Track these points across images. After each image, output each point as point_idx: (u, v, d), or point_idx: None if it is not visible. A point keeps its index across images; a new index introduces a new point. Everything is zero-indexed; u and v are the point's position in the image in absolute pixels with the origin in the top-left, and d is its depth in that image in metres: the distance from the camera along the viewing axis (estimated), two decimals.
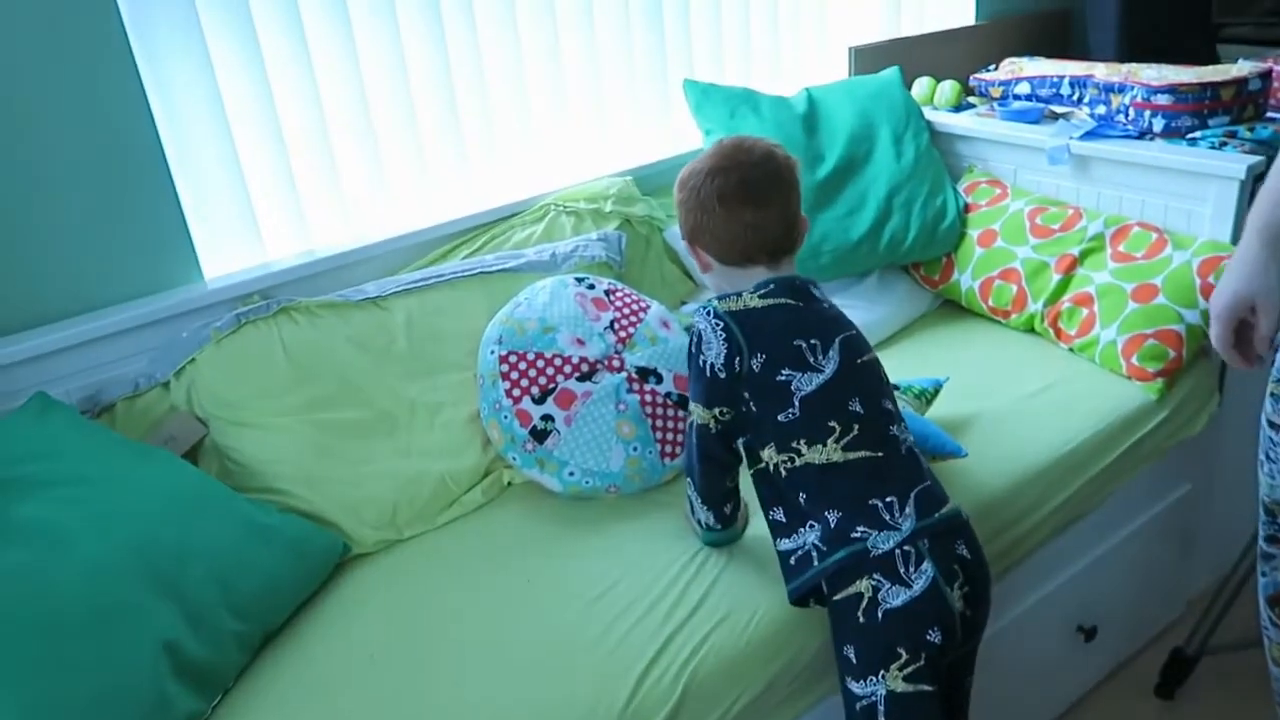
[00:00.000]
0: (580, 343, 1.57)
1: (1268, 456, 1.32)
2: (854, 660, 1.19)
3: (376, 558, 1.48)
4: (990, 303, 1.95)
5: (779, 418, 1.23)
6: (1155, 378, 1.69)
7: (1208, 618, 1.79)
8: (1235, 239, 1.76)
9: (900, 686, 1.15)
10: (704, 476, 1.34)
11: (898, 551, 1.18)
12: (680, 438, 1.57)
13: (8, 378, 1.46)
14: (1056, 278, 1.85)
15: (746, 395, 1.25)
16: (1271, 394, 1.29)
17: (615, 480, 1.52)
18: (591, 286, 1.66)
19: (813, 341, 1.26)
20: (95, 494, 1.27)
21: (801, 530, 1.23)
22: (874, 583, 1.17)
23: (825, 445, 1.22)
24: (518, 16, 1.87)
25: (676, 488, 1.57)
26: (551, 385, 1.54)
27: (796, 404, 1.23)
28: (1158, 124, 1.88)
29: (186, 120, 1.58)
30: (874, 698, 1.16)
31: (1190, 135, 1.85)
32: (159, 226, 1.58)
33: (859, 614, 1.18)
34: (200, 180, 1.62)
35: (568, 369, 1.55)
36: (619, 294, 1.67)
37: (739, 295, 1.28)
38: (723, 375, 1.25)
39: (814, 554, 1.21)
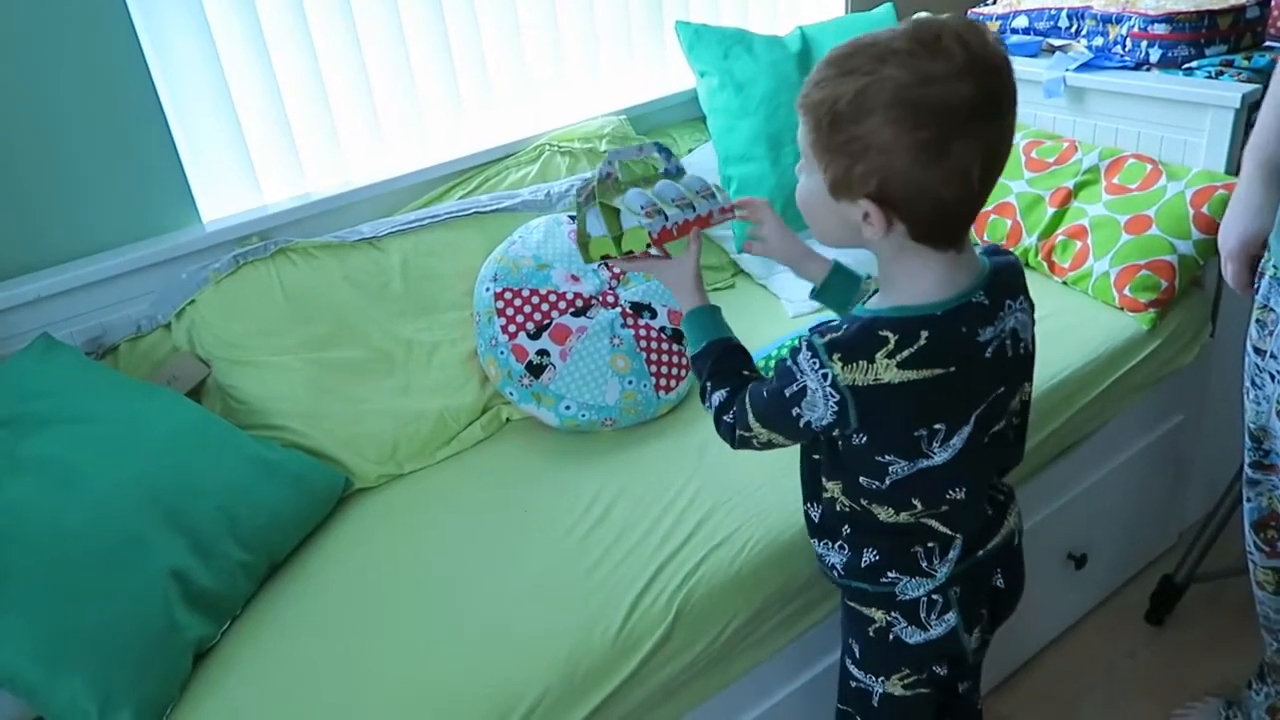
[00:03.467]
0: (574, 279, 1.59)
1: (1253, 382, 1.34)
2: (857, 654, 1.16)
3: (378, 492, 1.52)
4: (985, 237, 1.95)
5: (861, 480, 1.02)
6: (1147, 308, 1.70)
7: (1197, 545, 1.82)
8: (1230, 168, 1.75)
9: (899, 691, 1.14)
10: (718, 432, 1.11)
11: (924, 599, 1.07)
12: (674, 370, 1.59)
13: (11, 321, 1.49)
14: (1051, 211, 1.85)
15: (839, 443, 1.01)
16: (1257, 320, 1.30)
17: (611, 414, 1.54)
18: None
19: (936, 427, 0.96)
20: (102, 431, 1.31)
21: (827, 542, 1.11)
22: (891, 619, 1.10)
23: (899, 514, 1.03)
24: None
25: (671, 421, 1.59)
26: (547, 321, 1.56)
27: (886, 482, 1.00)
28: (1154, 54, 1.86)
29: (181, 65, 1.58)
30: (871, 690, 1.15)
31: (1187, 65, 1.83)
32: (156, 170, 1.60)
33: (870, 630, 1.12)
34: (196, 124, 1.63)
35: (562, 305, 1.57)
36: None
37: (869, 355, 0.90)
38: (816, 431, 0.99)
39: (834, 571, 1.12)
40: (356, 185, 1.75)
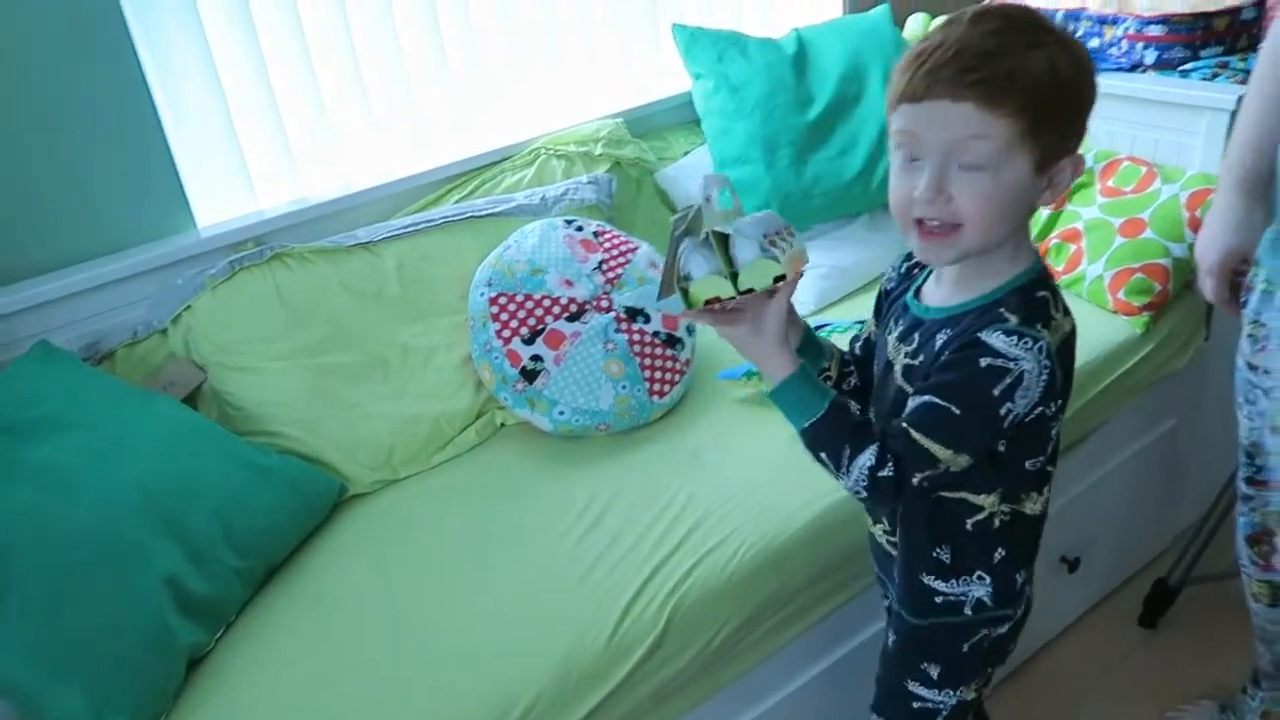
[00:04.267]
0: (569, 284, 1.59)
1: (1246, 399, 1.34)
2: (933, 676, 1.13)
3: (373, 497, 1.53)
4: None
5: (1027, 464, 1.01)
6: (1141, 311, 1.71)
7: (1191, 549, 1.82)
8: None
9: (971, 696, 1.14)
10: (871, 504, 1.07)
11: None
12: (667, 375, 1.59)
13: (9, 326, 1.50)
14: (1045, 214, 1.85)
15: (1004, 440, 0.98)
16: (1249, 335, 1.30)
17: (605, 418, 1.55)
18: (580, 229, 1.67)
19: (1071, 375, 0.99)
20: (99, 437, 1.31)
21: (968, 580, 1.06)
22: (993, 623, 1.09)
23: (1042, 495, 1.05)
24: None
25: (665, 425, 1.60)
26: (541, 326, 1.56)
27: (1048, 451, 1.01)
28: (1150, 56, 1.86)
29: (176, 70, 1.59)
30: (942, 706, 1.14)
31: (1182, 67, 1.83)
32: (152, 176, 1.60)
33: (965, 645, 1.10)
34: (191, 130, 1.63)
35: (556, 309, 1.57)
36: (607, 235, 1.69)
37: (1049, 314, 0.93)
38: (1015, 425, 0.94)
39: (971, 606, 1.07)
40: (352, 190, 1.75)
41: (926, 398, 0.94)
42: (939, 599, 1.07)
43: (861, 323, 1.63)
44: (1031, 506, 1.05)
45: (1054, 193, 0.93)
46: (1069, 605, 1.88)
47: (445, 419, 1.60)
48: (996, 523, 1.03)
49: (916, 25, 2.25)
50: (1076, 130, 0.92)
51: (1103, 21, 1.96)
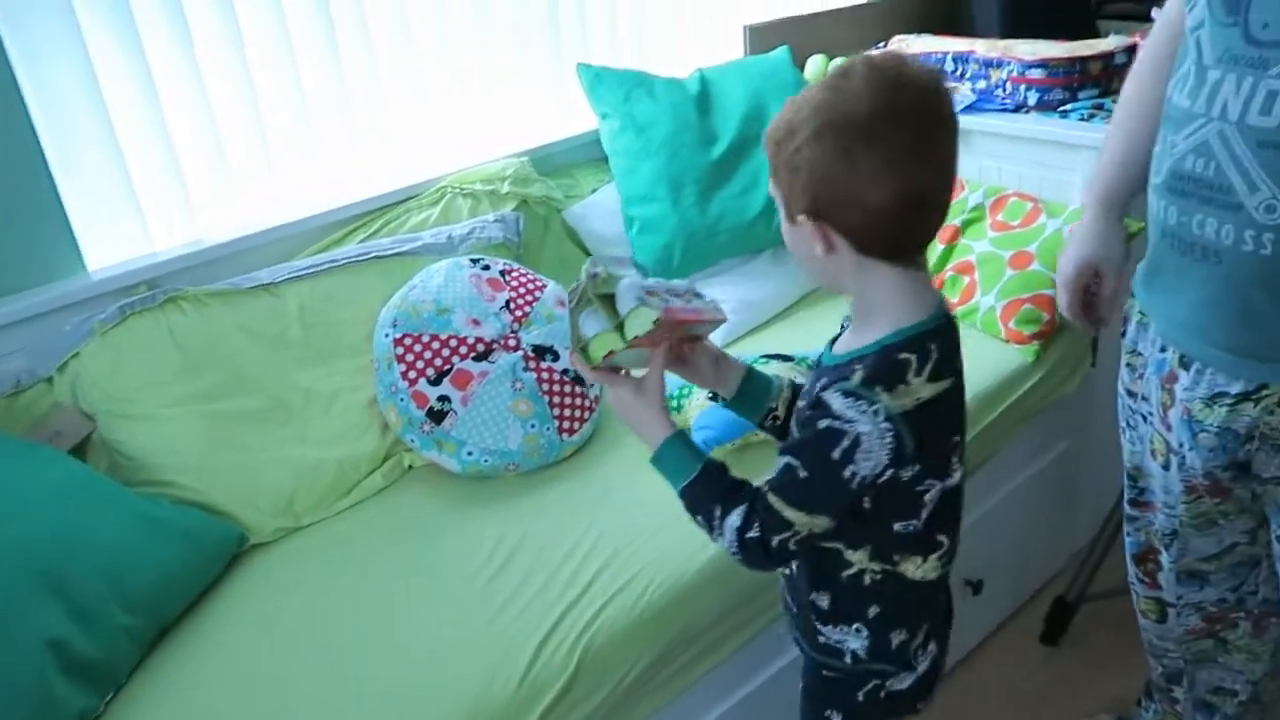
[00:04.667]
0: (476, 323, 1.59)
1: (1128, 424, 1.40)
2: None
3: (275, 546, 1.48)
4: None
5: (895, 527, 0.99)
6: (1031, 340, 1.78)
7: (1086, 566, 1.90)
8: None
9: None
10: (751, 567, 1.04)
11: (919, 643, 1.08)
12: (578, 413, 1.59)
13: None
14: (940, 248, 1.92)
15: (865, 499, 0.97)
16: (1127, 364, 1.36)
17: (514, 458, 1.54)
18: (486, 267, 1.67)
19: (955, 440, 0.99)
20: None
21: (845, 629, 1.06)
22: (887, 676, 1.08)
23: (926, 561, 1.02)
24: None
25: (575, 464, 1.60)
26: (447, 366, 1.55)
27: (922, 517, 0.98)
28: (1032, 97, 1.96)
29: (62, 106, 1.54)
30: None
31: (1062, 108, 1.93)
32: (37, 216, 1.54)
33: (859, 694, 1.09)
34: (79, 168, 1.57)
35: (463, 349, 1.56)
36: (514, 274, 1.69)
37: (903, 378, 0.91)
38: (868, 485, 0.94)
39: (848, 655, 1.07)
40: (251, 230, 1.72)
41: (784, 458, 0.96)
42: (821, 639, 1.08)
43: (769, 357, 1.66)
44: (914, 571, 1.02)
45: (822, 253, 0.92)
46: (975, 627, 1.93)
47: (350, 463, 1.57)
48: (867, 580, 1.02)
49: (816, 66, 2.32)
50: (798, 188, 0.91)
51: (989, 65, 2.06)
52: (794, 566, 1.09)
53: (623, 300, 1.00)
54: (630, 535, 1.40)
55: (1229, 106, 1.06)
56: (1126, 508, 1.46)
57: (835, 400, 0.91)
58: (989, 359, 1.78)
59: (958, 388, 0.98)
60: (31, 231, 1.54)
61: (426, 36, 1.91)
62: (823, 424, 0.92)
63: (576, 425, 1.60)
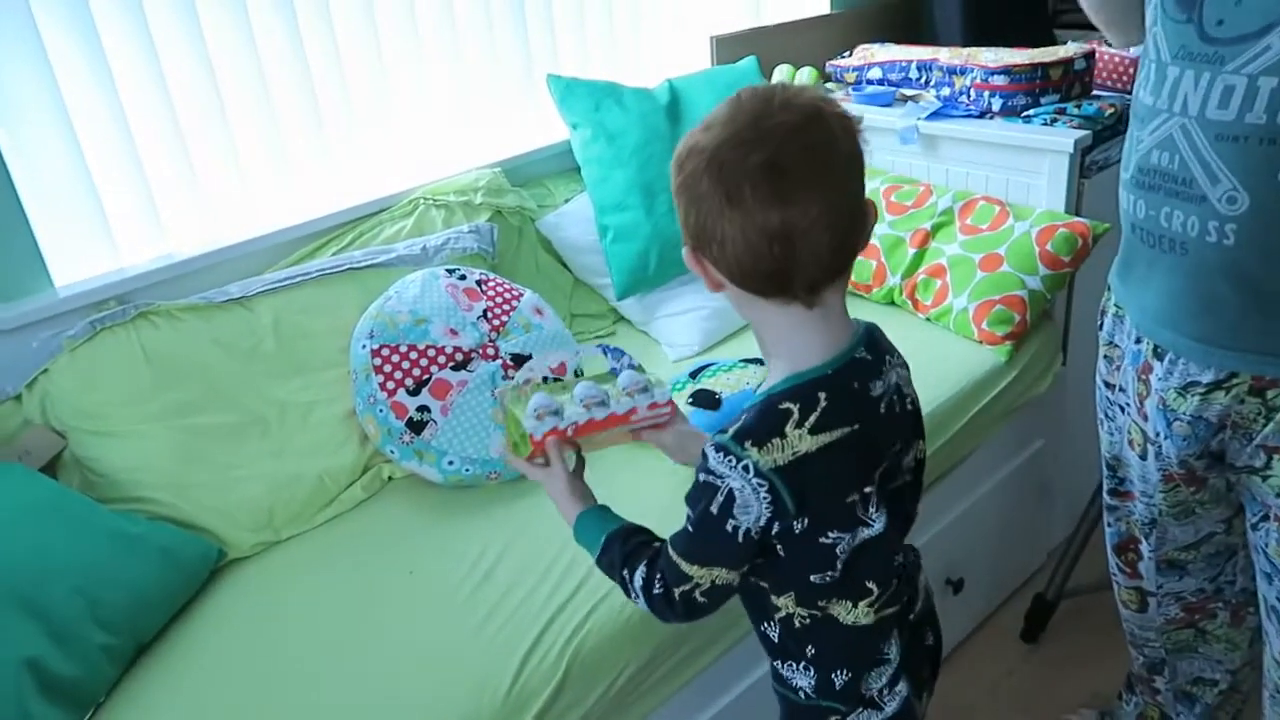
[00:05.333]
0: (453, 333, 1.58)
1: (1105, 415, 1.43)
2: None
3: (255, 560, 1.46)
4: (853, 278, 2.03)
5: (812, 578, 0.96)
6: (1004, 340, 1.80)
7: (1064, 564, 1.92)
8: (1068, 208, 1.88)
9: None
10: (685, 622, 1.04)
11: (882, 685, 1.04)
12: None
13: None
14: (912, 252, 1.94)
15: (777, 546, 0.94)
16: (1105, 356, 1.39)
17: (495, 467, 1.53)
18: (463, 277, 1.67)
19: (866, 491, 0.93)
20: None
21: (792, 665, 1.03)
22: (849, 713, 1.04)
23: (857, 607, 0.97)
24: (375, 8, 1.86)
25: None
26: (426, 376, 1.54)
27: (838, 567, 0.94)
28: (996, 103, 1.99)
29: (24, 118, 1.51)
30: None
31: (1025, 113, 1.97)
32: (0, 235, 1.51)
33: None
34: (43, 180, 1.55)
35: (442, 359, 1.55)
36: (491, 283, 1.68)
37: (779, 431, 0.88)
38: (758, 538, 0.92)
39: (800, 691, 1.04)
40: (223, 244, 1.70)
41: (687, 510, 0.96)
42: (776, 671, 1.07)
43: (747, 361, 1.67)
44: (845, 615, 0.98)
45: (708, 282, 0.92)
46: (956, 626, 1.94)
47: (329, 476, 1.55)
48: (797, 624, 0.99)
49: (782, 75, 2.35)
50: (681, 217, 0.89)
51: (952, 72, 2.09)
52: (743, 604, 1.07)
53: (526, 420, 1.10)
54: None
55: (1189, 101, 1.10)
56: (1106, 498, 1.48)
57: (710, 453, 0.90)
58: (963, 360, 1.80)
59: (863, 434, 0.91)
60: None
61: (396, 48, 1.91)
62: (701, 477, 0.92)
63: None
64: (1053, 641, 1.98)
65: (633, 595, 1.02)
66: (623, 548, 1.03)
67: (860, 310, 1.94)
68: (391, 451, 1.54)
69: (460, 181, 1.94)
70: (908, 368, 1.03)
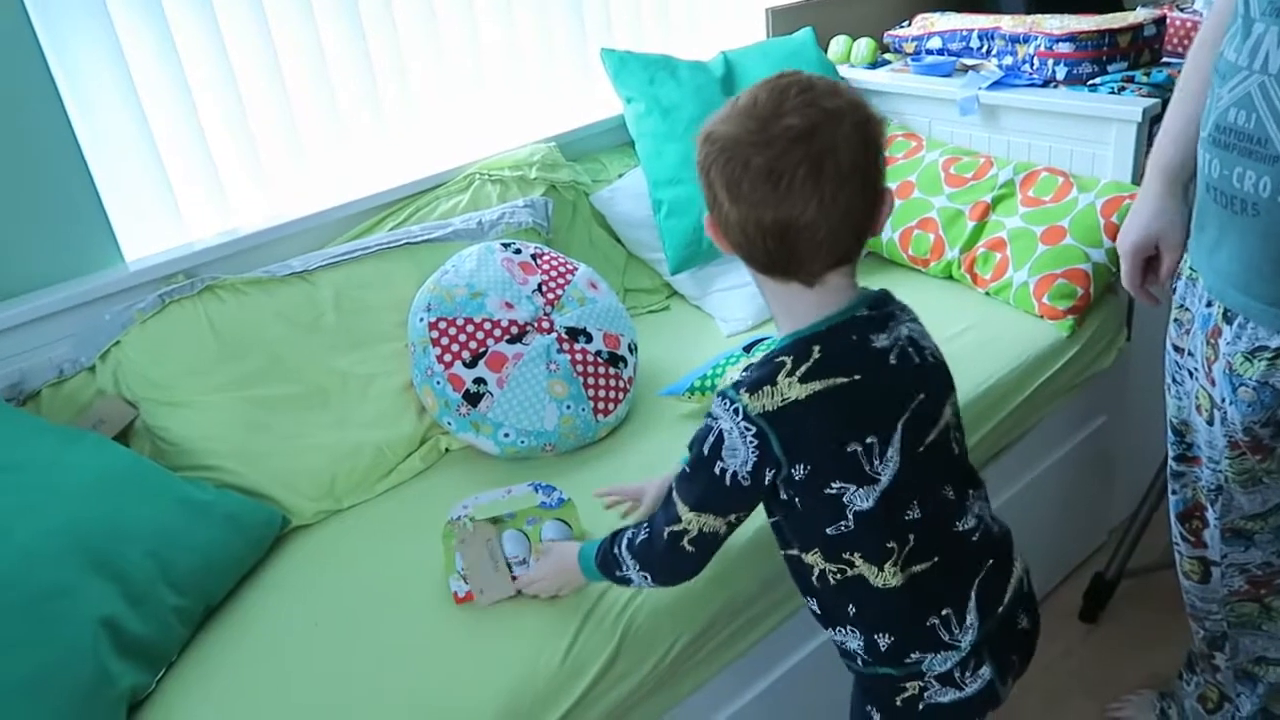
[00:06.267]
0: (509, 306, 1.59)
1: (1174, 379, 1.40)
2: None
3: (317, 528, 1.50)
4: (910, 252, 2.01)
5: (828, 530, 1.00)
6: (1066, 315, 1.77)
7: (1125, 542, 1.88)
8: (1135, 179, 1.83)
9: None
10: (658, 580, 1.12)
11: (955, 668, 1.04)
12: (611, 393, 1.60)
13: None
14: (971, 225, 1.91)
15: (791, 495, 1.00)
16: (1175, 319, 1.36)
17: (550, 439, 1.55)
18: (518, 251, 1.68)
19: (869, 441, 0.96)
20: (25, 480, 1.27)
21: (843, 630, 1.06)
22: (923, 684, 1.05)
23: (882, 569, 1.00)
24: None
25: (611, 444, 1.60)
26: (482, 349, 1.56)
27: (850, 518, 0.98)
28: (1060, 72, 1.94)
29: (98, 102, 1.56)
30: None
31: (1091, 81, 1.92)
32: (75, 210, 1.56)
33: (897, 700, 1.06)
34: (115, 161, 1.60)
35: (498, 332, 1.57)
36: (545, 257, 1.70)
37: (771, 380, 0.95)
38: (747, 484, 0.98)
39: (857, 657, 1.07)
40: (285, 219, 1.73)
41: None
42: (834, 639, 1.10)
43: None
44: (875, 579, 1.01)
45: (727, 249, 0.98)
46: None
47: (388, 446, 1.58)
48: (833, 580, 1.03)
49: (839, 47, 2.32)
50: (704, 188, 0.96)
51: (1015, 40, 2.04)
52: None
53: (452, 579, 1.28)
54: None
55: (1270, 58, 1.06)
56: (1172, 464, 1.45)
57: (714, 401, 0.99)
58: (1023, 335, 1.77)
59: (865, 385, 0.96)
60: (70, 224, 1.56)
61: (452, 25, 1.92)
62: (704, 421, 1.01)
63: (611, 406, 1.60)
64: (1112, 622, 1.95)
65: (625, 568, 1.11)
66: (614, 541, 1.13)
67: (917, 284, 1.96)
68: (448, 423, 1.57)
69: (515, 156, 1.95)
70: (919, 322, 1.07)
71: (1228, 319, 1.20)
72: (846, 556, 1.01)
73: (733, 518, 1.04)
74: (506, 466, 1.57)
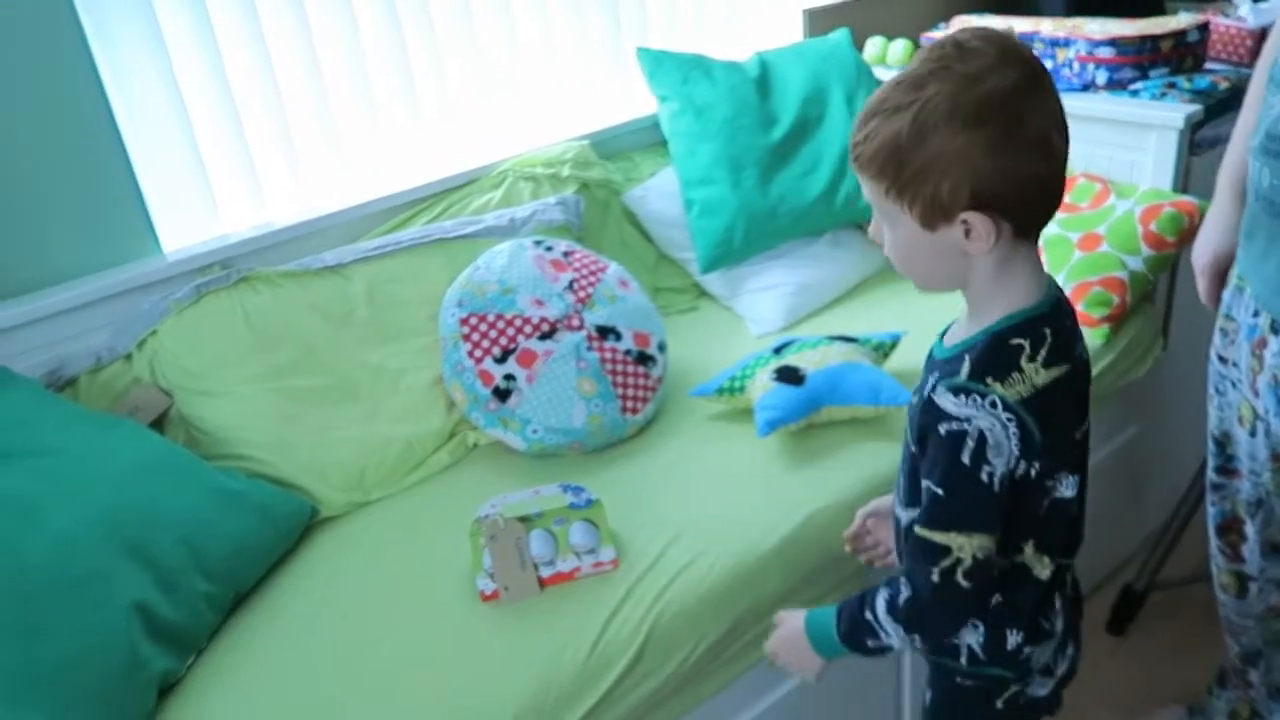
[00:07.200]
0: (540, 303, 1.60)
1: (1216, 390, 1.38)
2: None
3: (346, 520, 1.51)
4: None
5: (1017, 521, 0.93)
6: (1101, 323, 1.74)
7: (1156, 553, 1.86)
8: (1176, 186, 1.81)
9: None
10: (931, 637, 1.00)
11: (1052, 656, 1.03)
12: (640, 392, 1.60)
13: None
14: None
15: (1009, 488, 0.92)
16: (1220, 329, 1.34)
17: (578, 436, 1.55)
18: (549, 248, 1.68)
19: (1086, 427, 0.95)
20: (62, 465, 1.29)
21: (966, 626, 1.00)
22: (1026, 681, 1.03)
23: (1047, 560, 0.96)
24: None
25: (638, 443, 1.60)
26: (512, 345, 1.56)
27: (1044, 506, 0.93)
28: (1101, 76, 1.92)
29: (139, 95, 1.58)
30: None
31: (1132, 86, 1.89)
32: (115, 200, 1.59)
33: (998, 701, 1.03)
34: (155, 153, 1.62)
35: (528, 329, 1.57)
36: (577, 255, 1.70)
37: (1016, 365, 0.87)
38: (1007, 488, 0.89)
39: (964, 653, 1.00)
40: (319, 213, 1.75)
41: (924, 484, 0.91)
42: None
43: (834, 338, 1.65)
44: (1039, 568, 0.95)
45: (977, 246, 0.86)
46: None
47: (417, 440, 1.59)
48: (995, 572, 0.95)
49: (875, 47, 2.30)
50: (947, 189, 0.84)
51: (1055, 44, 2.02)
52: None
53: (479, 578, 1.30)
54: (694, 514, 1.41)
55: None
56: (1212, 475, 1.43)
57: (946, 400, 0.87)
58: None
59: (1079, 373, 0.92)
60: (110, 214, 1.59)
61: (488, 21, 1.93)
62: (942, 429, 0.88)
63: (639, 405, 1.60)
64: (1141, 634, 1.93)
65: (883, 634, 0.98)
66: (855, 602, 1.01)
67: (953, 291, 1.92)
68: (477, 418, 1.58)
69: (548, 154, 1.96)
70: None
71: (1275, 329, 1.19)
72: (1019, 543, 0.94)
73: (999, 532, 0.91)
74: (533, 463, 1.58)
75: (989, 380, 0.86)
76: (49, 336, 1.52)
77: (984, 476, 0.87)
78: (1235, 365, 1.30)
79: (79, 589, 1.17)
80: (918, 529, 0.92)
